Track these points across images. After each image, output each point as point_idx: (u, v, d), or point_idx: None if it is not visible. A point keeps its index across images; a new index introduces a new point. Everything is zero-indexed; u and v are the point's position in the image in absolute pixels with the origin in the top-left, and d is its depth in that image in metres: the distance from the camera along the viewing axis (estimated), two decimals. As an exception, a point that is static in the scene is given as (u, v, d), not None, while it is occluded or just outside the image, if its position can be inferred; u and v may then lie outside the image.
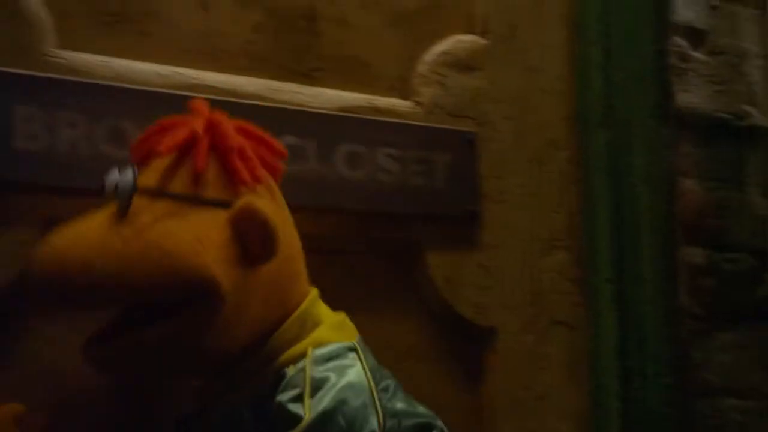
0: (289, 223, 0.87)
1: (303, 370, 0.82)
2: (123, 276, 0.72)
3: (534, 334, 1.13)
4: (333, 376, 0.82)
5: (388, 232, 1.05)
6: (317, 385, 0.81)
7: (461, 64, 1.12)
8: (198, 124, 0.81)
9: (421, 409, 0.89)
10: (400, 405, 0.86)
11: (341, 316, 0.91)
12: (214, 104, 0.91)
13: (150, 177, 0.79)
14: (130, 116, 0.91)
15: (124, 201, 0.75)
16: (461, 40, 1.13)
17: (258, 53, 1.02)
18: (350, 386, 0.82)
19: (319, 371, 0.82)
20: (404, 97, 1.09)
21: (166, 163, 0.80)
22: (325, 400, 0.80)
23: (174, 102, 0.92)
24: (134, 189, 0.75)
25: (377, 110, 1.06)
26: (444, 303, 1.07)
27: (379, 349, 0.92)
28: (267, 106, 0.99)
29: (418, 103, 1.09)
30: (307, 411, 0.78)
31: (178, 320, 0.75)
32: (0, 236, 0.86)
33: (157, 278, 0.73)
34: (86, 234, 0.74)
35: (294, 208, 0.89)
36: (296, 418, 0.78)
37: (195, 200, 0.78)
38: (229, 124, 0.84)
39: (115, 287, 0.73)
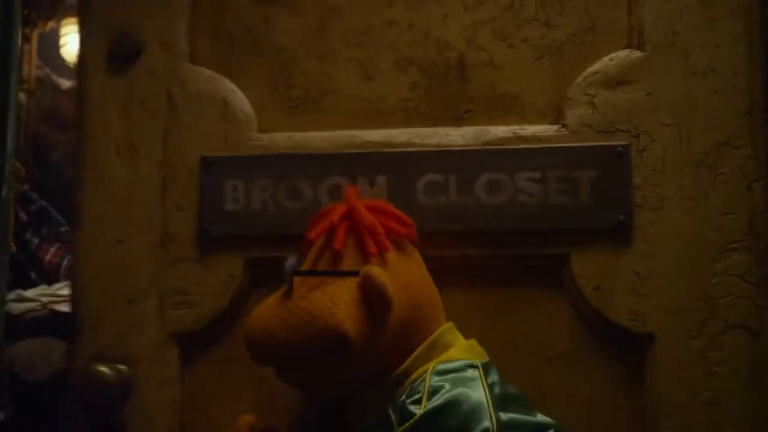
0: (417, 278, 1.05)
1: (424, 379, 0.98)
2: (289, 338, 0.98)
3: (703, 340, 1.08)
4: (448, 385, 0.96)
5: (531, 247, 1.12)
6: (433, 391, 0.95)
7: (612, 80, 1.15)
8: (337, 213, 1.04)
9: (541, 417, 0.99)
10: (517, 416, 0.97)
11: (471, 342, 1.06)
12: (372, 156, 1.14)
13: (309, 258, 1.04)
14: (306, 176, 1.17)
15: (289, 282, 1.02)
16: (613, 57, 1.16)
17: (413, 108, 1.20)
18: (464, 393, 0.95)
19: (437, 380, 0.97)
20: (553, 123, 1.16)
21: (319, 246, 1.05)
22: (438, 400, 0.94)
23: (340, 160, 1.16)
24: (294, 272, 1.02)
25: (521, 139, 1.14)
26: (595, 311, 1.10)
27: (532, 354, 1.11)
28: (415, 151, 1.16)
29: (563, 126, 1.15)
30: (421, 409, 0.93)
31: (321, 364, 0.99)
32: (218, 270, 1.18)
33: (309, 335, 0.97)
34: (269, 309, 1.01)
35: (439, 233, 1.12)
36: (411, 415, 0.94)
37: (333, 274, 1.02)
38: (362, 208, 1.05)
39: (287, 346, 0.98)
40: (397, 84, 1.21)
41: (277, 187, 1.17)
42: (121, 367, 1.16)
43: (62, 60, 4.60)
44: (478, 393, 0.96)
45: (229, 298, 1.17)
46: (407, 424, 0.93)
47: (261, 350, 1.01)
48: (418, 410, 0.94)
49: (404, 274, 1.03)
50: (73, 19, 4.48)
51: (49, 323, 2.00)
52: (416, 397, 0.96)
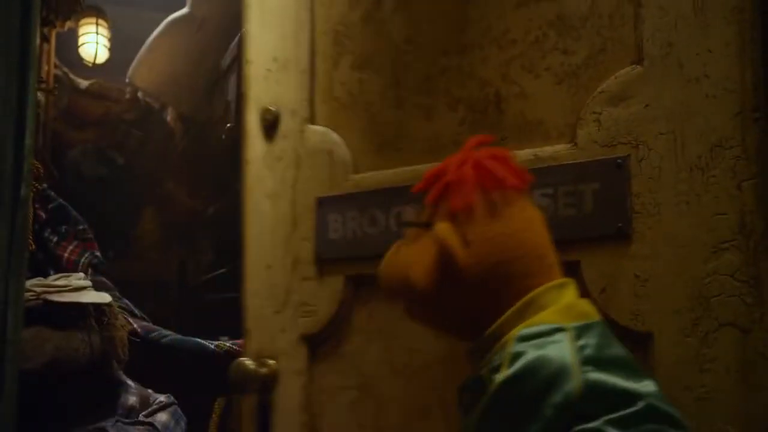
0: (511, 232, 1.04)
1: (507, 346, 0.97)
2: (389, 280, 1.12)
3: (696, 338, 1.15)
4: (531, 350, 0.94)
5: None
6: (514, 357, 0.94)
7: (615, 97, 1.26)
8: (436, 168, 1.12)
9: (641, 385, 0.91)
10: (606, 378, 0.91)
11: (575, 302, 1.03)
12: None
13: (425, 211, 1.13)
14: (380, 207, 1.48)
15: (402, 231, 1.17)
16: (618, 75, 1.27)
17: (461, 140, 1.42)
18: (544, 356, 0.92)
19: (519, 347, 0.96)
20: (568, 142, 1.31)
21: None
22: (516, 366, 0.93)
23: (405, 192, 1.43)
24: (398, 222, 1.22)
25: (540, 159, 1.32)
26: (602, 313, 1.22)
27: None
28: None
29: (574, 144, 1.29)
30: (501, 376, 0.94)
31: (414, 306, 1.11)
32: (328, 286, 1.54)
33: (394, 279, 1.10)
34: (391, 253, 1.14)
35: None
36: (493, 382, 0.95)
37: (415, 225, 1.14)
38: (456, 162, 1.09)
39: (388, 287, 1.13)
40: (449, 121, 1.45)
41: (361, 217, 1.49)
42: (271, 361, 1.59)
43: (80, 59, 4.62)
44: (561, 355, 0.92)
45: (336, 307, 1.54)
46: (488, 393, 0.95)
47: (383, 288, 1.14)
48: (498, 376, 0.95)
49: (495, 229, 1.04)
50: (91, 20, 4.56)
51: (41, 313, 1.98)
52: (498, 363, 0.97)
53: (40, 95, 3.05)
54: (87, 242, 2.51)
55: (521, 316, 1.01)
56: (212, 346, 2.41)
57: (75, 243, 2.47)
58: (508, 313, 1.01)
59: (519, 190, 1.09)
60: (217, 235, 5.05)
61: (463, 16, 1.45)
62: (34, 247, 2.31)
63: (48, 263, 2.40)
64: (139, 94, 5.26)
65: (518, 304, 1.02)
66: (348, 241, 1.52)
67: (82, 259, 2.45)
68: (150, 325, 2.46)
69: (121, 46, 4.97)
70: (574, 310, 1.01)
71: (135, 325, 2.43)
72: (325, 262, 1.55)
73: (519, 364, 0.93)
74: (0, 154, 1.67)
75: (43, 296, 1.99)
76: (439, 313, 1.09)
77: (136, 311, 2.50)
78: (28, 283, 2.00)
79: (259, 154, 1.67)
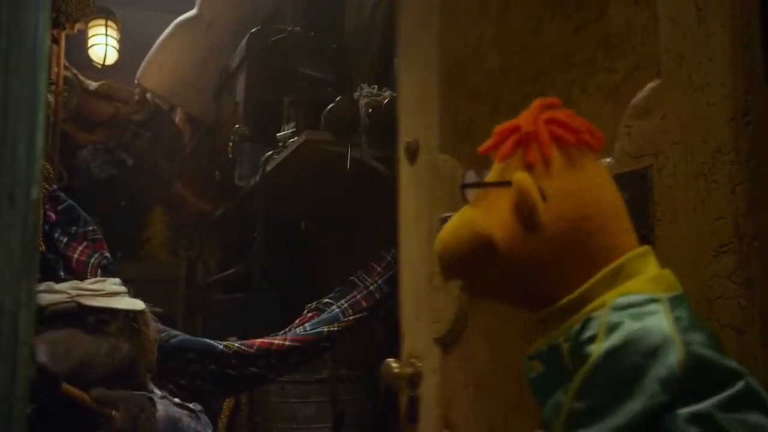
0: (590, 188, 1.02)
1: (601, 315, 0.93)
2: (454, 246, 1.03)
3: None
4: (628, 321, 0.90)
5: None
6: (611, 328, 0.90)
7: (642, 111, 1.29)
8: (508, 124, 1.06)
9: (734, 363, 0.92)
10: (707, 352, 0.90)
11: (662, 272, 1.01)
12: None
13: (492, 171, 1.07)
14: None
15: (462, 194, 1.14)
16: (643, 90, 1.30)
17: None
18: (644, 328, 0.89)
19: (615, 316, 0.91)
20: (608, 156, 1.33)
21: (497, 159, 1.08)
22: (615, 338, 0.89)
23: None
24: (462, 185, 1.18)
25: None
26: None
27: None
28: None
29: (612, 158, 1.33)
30: (598, 348, 0.90)
31: (482, 273, 1.03)
32: (448, 294, 1.72)
33: (464, 241, 1.02)
34: (450, 221, 1.07)
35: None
36: (588, 355, 0.91)
37: (488, 185, 1.06)
38: (530, 118, 1.04)
39: (452, 255, 1.04)
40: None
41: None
42: (417, 362, 1.80)
43: (90, 60, 4.64)
44: (661, 326, 0.90)
45: (455, 313, 1.69)
46: (586, 366, 0.90)
47: (441, 263, 1.06)
48: (593, 347, 0.91)
49: (572, 184, 1.01)
50: (101, 21, 4.63)
51: (74, 316, 1.94)
52: (591, 334, 0.92)
53: (50, 97, 3.06)
54: (96, 243, 2.48)
55: (610, 283, 0.97)
56: (221, 347, 2.42)
57: (85, 244, 2.44)
58: (595, 278, 0.97)
59: (593, 148, 1.06)
60: (226, 236, 5.07)
61: (537, 44, 1.54)
62: (44, 248, 2.31)
63: (58, 264, 2.38)
64: (148, 96, 5.28)
65: (606, 270, 0.98)
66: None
67: (92, 260, 2.41)
68: (159, 325, 2.47)
69: (130, 48, 5.00)
70: (664, 281, 0.98)
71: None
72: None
73: (619, 335, 0.89)
74: (12, 155, 1.70)
75: (76, 299, 1.96)
76: (512, 279, 1.02)
77: (145, 312, 2.48)
78: (63, 285, 2.02)
79: (406, 180, 1.88)
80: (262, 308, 3.48)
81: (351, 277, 2.74)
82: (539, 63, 1.53)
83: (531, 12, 1.56)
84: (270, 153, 3.35)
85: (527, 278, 1.02)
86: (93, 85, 5.07)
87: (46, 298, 1.93)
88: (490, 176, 1.07)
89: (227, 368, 2.38)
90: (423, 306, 1.79)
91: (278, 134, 3.29)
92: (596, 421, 0.88)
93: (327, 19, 3.42)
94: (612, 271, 0.98)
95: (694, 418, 0.87)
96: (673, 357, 0.87)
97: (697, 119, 1.21)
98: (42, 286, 1.98)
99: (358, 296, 2.65)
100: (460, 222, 1.04)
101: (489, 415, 1.62)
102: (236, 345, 2.48)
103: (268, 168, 3.35)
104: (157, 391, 2.12)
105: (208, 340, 2.52)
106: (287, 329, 2.63)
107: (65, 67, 3.89)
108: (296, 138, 3.09)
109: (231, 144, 3.83)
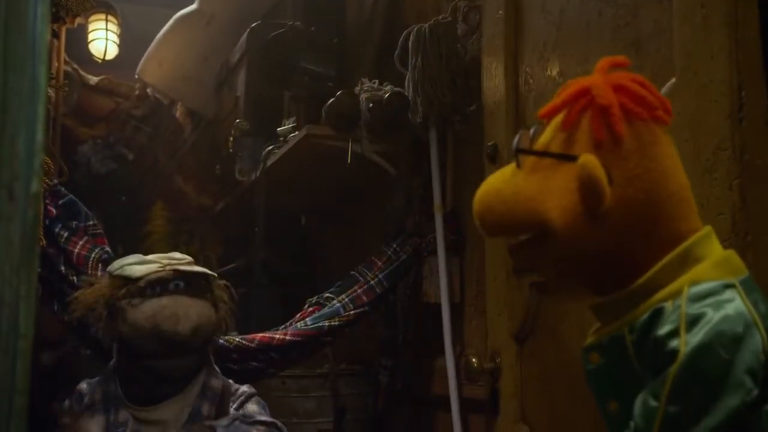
0: (659, 169, 0.96)
1: (679, 307, 0.89)
2: (503, 215, 0.98)
3: None
4: (709, 311, 0.87)
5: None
6: (693, 321, 0.87)
7: None
8: (574, 89, 0.98)
9: None
10: None
11: (728, 254, 0.97)
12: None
13: (546, 135, 1.00)
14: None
15: (515, 158, 1.00)
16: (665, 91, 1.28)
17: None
18: (727, 318, 0.86)
19: (694, 308, 0.88)
20: None
21: (557, 123, 0.99)
22: (700, 334, 0.86)
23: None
24: (517, 149, 1.00)
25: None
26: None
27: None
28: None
29: None
30: (683, 345, 0.86)
31: (533, 249, 0.99)
32: (520, 291, 1.82)
33: (517, 217, 0.97)
34: (495, 181, 1.01)
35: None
36: (673, 353, 0.87)
37: (549, 155, 0.97)
38: (602, 86, 0.96)
39: (500, 223, 0.99)
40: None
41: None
42: (497, 357, 1.92)
43: (90, 55, 4.61)
44: (742, 313, 0.88)
45: (525, 309, 1.78)
46: (674, 367, 0.86)
47: (482, 223, 1.01)
48: (676, 344, 0.87)
49: (639, 165, 0.95)
50: (101, 16, 4.61)
51: (174, 283, 2.00)
52: (671, 327, 0.89)
53: (50, 91, 3.00)
54: (97, 238, 2.48)
55: (677, 269, 0.93)
56: (221, 341, 2.42)
57: (85, 238, 2.44)
58: (661, 264, 0.94)
59: (665, 122, 1.00)
60: (226, 230, 5.06)
61: (588, 48, 1.61)
62: (44, 242, 2.30)
63: (58, 258, 2.38)
64: (149, 90, 5.26)
65: (672, 255, 0.94)
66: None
67: (93, 255, 2.41)
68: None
69: (131, 42, 4.99)
70: (732, 264, 0.95)
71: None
72: (520, 271, 1.78)
73: (703, 330, 0.86)
74: (11, 149, 1.68)
75: (170, 267, 2.02)
76: (567, 261, 0.97)
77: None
78: (151, 256, 2.08)
79: None
80: (262, 303, 3.47)
81: (352, 272, 2.73)
82: (588, 65, 1.54)
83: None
84: (270, 147, 3.34)
85: (584, 263, 0.97)
86: (93, 79, 5.00)
87: (139, 269, 1.99)
88: (548, 140, 0.98)
89: (228, 362, 2.37)
90: (502, 303, 1.90)
91: (279, 129, 3.29)
92: (692, 423, 0.85)
93: (327, 14, 3.40)
94: (679, 256, 0.93)
95: None
96: (758, 344, 0.85)
97: (703, 117, 1.21)
98: (131, 259, 2.06)
99: (359, 291, 2.64)
100: (509, 188, 0.97)
101: (553, 408, 1.73)
102: (237, 339, 2.47)
103: (269, 162, 3.34)
104: (214, 364, 2.15)
105: (208, 335, 2.50)
106: (288, 324, 2.61)
107: (65, 62, 3.86)
108: (297, 132, 3.08)
109: (231, 139, 3.82)
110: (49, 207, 2.37)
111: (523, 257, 1.03)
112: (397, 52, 2.54)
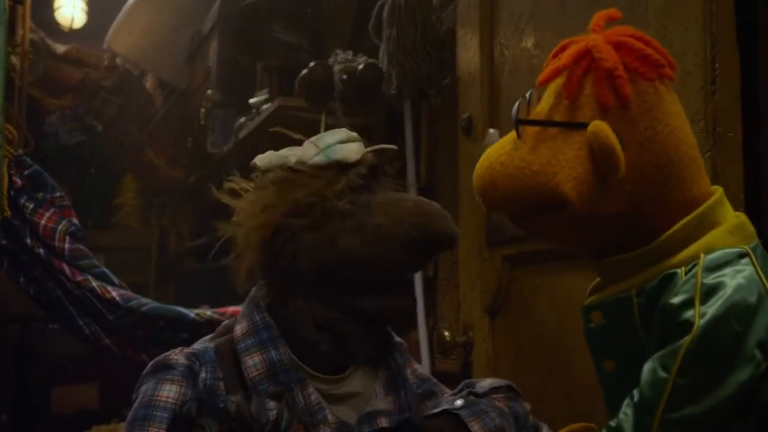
0: (667, 131, 0.93)
1: (694, 276, 0.87)
2: (510, 189, 0.93)
3: None
4: (725, 281, 0.86)
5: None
6: (708, 291, 0.85)
7: None
8: (574, 51, 0.93)
9: None
10: None
11: (741, 219, 0.95)
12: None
13: (545, 102, 0.95)
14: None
15: (516, 128, 0.94)
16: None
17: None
18: (740, 288, 0.85)
19: (710, 278, 0.86)
20: None
21: (557, 87, 0.94)
22: (715, 306, 0.84)
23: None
24: (518, 119, 0.93)
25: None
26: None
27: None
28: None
29: None
30: (698, 317, 0.84)
31: (543, 220, 0.96)
32: (493, 263, 1.79)
33: (527, 190, 0.92)
34: (496, 153, 0.95)
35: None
36: (687, 324, 0.85)
37: (557, 124, 0.92)
38: (603, 46, 0.92)
39: (507, 197, 0.94)
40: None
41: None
42: (470, 332, 1.92)
43: (57, 24, 4.50)
44: (755, 283, 0.87)
45: (497, 282, 1.78)
46: (687, 339, 0.84)
47: (487, 199, 0.97)
48: (690, 315, 0.85)
49: (649, 128, 0.92)
50: None
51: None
52: (685, 297, 0.87)
53: (15, 59, 2.91)
54: (64, 210, 2.42)
55: (693, 234, 0.91)
56: (192, 315, 2.39)
57: (52, 210, 2.39)
58: (675, 229, 0.91)
59: (671, 79, 0.96)
60: (199, 204, 5.02)
61: (564, 20, 1.60)
62: (9, 213, 2.27)
63: (24, 230, 2.34)
64: (118, 60, 5.17)
65: (687, 219, 0.92)
66: (502, 225, 1.65)
67: (60, 227, 2.36)
68: (129, 293, 2.44)
69: (99, 11, 4.88)
70: (745, 230, 0.94)
71: (114, 293, 2.41)
72: (492, 245, 1.79)
73: (720, 301, 0.85)
74: (-29, 117, 1.67)
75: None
76: (578, 229, 0.94)
77: (115, 280, 2.45)
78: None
79: (463, 156, 2.00)
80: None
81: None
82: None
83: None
84: (243, 119, 3.31)
85: (596, 231, 0.94)
86: (61, 48, 4.95)
87: (350, 149, 1.33)
88: (550, 108, 0.93)
89: (199, 337, 2.34)
90: (475, 277, 1.89)
91: (251, 100, 3.25)
92: (701, 396, 0.85)
93: (302, -17, 3.35)
94: (695, 220, 0.91)
95: None
96: None
97: (676, 88, 1.19)
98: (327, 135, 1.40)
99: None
100: (513, 161, 0.92)
101: (525, 381, 1.65)
102: (208, 313, 2.45)
103: (241, 135, 3.30)
104: None
105: (179, 309, 2.47)
106: (260, 298, 2.59)
107: (31, 30, 3.66)
108: (269, 104, 3.04)
109: (203, 110, 3.77)
110: (14, 178, 2.33)
111: (530, 227, 1.00)
112: (371, 22, 2.51)
